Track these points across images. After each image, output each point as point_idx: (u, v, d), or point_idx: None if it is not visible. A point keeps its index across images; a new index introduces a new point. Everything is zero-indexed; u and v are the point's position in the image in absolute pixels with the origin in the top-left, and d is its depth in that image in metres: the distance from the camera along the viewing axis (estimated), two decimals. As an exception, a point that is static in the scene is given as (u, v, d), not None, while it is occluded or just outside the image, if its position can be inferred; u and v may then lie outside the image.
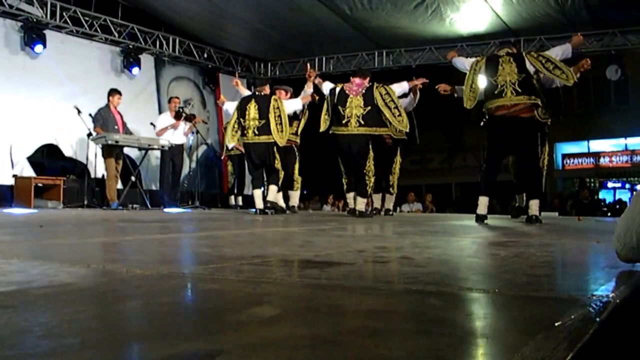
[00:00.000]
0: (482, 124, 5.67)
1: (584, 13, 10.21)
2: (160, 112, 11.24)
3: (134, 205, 8.81)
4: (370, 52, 12.84)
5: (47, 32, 9.83)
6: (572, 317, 1.13)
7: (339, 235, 3.54)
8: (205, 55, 12.70)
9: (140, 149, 9.16)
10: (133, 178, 8.83)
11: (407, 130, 6.87)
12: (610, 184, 18.38)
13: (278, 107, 7.15)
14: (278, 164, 7.31)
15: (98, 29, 10.78)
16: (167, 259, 2.10)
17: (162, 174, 9.78)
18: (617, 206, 14.95)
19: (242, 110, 7.29)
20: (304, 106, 7.82)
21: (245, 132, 7.24)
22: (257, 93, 7.33)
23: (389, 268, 1.85)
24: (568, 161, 19.32)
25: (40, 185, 8.44)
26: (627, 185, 18.31)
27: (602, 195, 17.16)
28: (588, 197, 13.06)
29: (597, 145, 19.09)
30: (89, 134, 8.67)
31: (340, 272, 1.80)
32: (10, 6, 9.51)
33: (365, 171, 6.72)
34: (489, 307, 1.26)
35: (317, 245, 2.83)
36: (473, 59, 5.91)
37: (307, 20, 11.12)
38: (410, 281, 1.60)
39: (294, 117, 7.86)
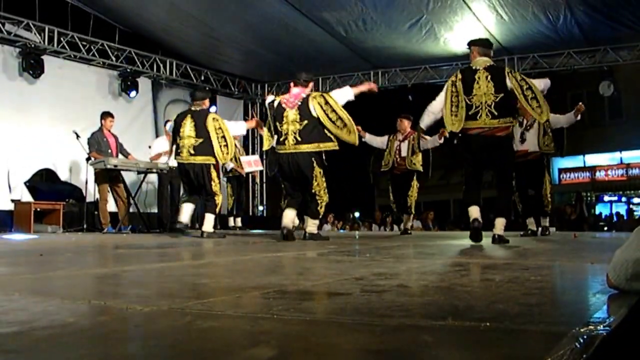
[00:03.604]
0: (455, 142, 5.50)
1: (575, 31, 10.36)
2: (157, 135, 11.31)
3: (134, 229, 8.85)
4: (366, 72, 12.97)
5: (45, 57, 9.94)
6: (560, 353, 1.17)
7: (338, 260, 3.58)
8: (202, 78, 12.82)
9: (139, 172, 9.21)
10: (132, 201, 8.87)
11: (356, 144, 6.10)
12: (606, 198, 18.46)
13: (220, 128, 6.68)
14: (216, 187, 6.78)
15: (96, 53, 10.90)
16: (167, 292, 2.13)
17: (161, 196, 9.81)
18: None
19: (176, 127, 6.82)
20: (247, 131, 7.30)
21: (180, 150, 6.72)
22: (192, 108, 6.85)
23: (384, 299, 1.89)
24: (564, 175, 19.42)
25: (39, 210, 8.48)
26: (624, 199, 18.40)
27: (598, 209, 17.23)
28: (577, 210, 13.16)
29: (592, 159, 19.19)
30: (88, 159, 8.73)
31: (336, 304, 1.85)
32: (9, 32, 9.62)
33: (314, 191, 5.96)
34: (479, 344, 1.29)
35: (315, 273, 2.87)
36: (445, 89, 5.50)
37: (303, 42, 11.24)
38: (405, 314, 1.63)
39: None
